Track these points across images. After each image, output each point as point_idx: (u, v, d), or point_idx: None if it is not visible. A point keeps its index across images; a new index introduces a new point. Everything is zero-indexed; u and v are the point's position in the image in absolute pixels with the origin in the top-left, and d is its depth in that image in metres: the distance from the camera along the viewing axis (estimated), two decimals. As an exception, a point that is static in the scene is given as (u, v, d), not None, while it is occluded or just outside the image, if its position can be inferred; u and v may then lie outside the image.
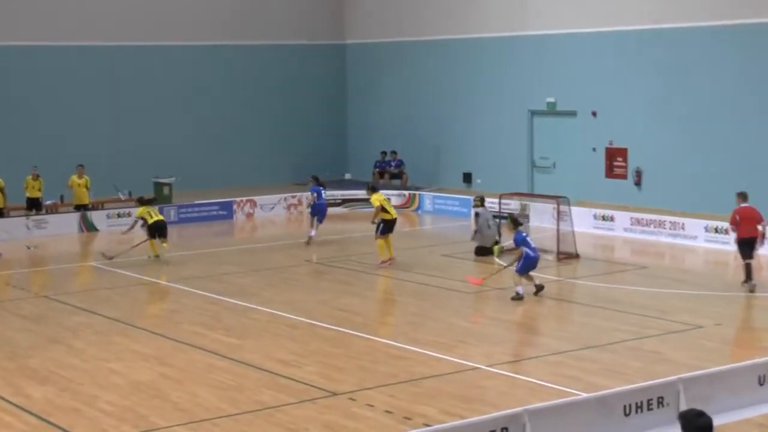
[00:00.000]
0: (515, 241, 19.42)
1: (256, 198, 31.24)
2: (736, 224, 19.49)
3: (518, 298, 19.02)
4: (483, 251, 23.11)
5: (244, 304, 19.20)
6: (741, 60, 25.68)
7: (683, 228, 24.98)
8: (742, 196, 19.66)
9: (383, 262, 22.28)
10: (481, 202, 24.00)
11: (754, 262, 19.51)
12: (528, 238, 19.62)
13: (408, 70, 34.95)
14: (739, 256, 19.77)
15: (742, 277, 19.73)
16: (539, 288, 19.29)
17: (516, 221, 20.01)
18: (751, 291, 19.14)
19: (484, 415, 11.20)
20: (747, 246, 19.37)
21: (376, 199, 22.72)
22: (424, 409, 12.84)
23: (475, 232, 23.60)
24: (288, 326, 17.46)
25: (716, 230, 24.16)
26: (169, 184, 30.51)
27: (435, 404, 13.05)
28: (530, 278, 19.38)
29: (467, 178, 32.90)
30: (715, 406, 11.19)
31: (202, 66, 34.83)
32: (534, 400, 12.23)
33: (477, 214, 23.72)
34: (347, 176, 37.13)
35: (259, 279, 21.70)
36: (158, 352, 15.62)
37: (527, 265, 19.20)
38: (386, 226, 22.44)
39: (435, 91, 33.97)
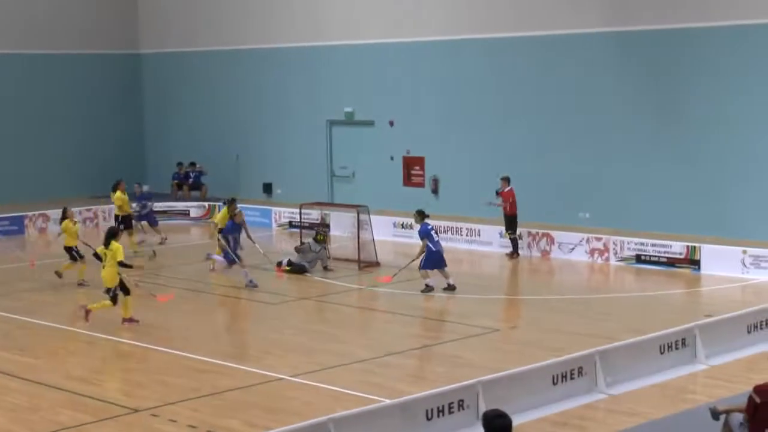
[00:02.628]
0: (419, 232, 20.22)
1: (49, 212, 30.17)
2: (508, 201, 24.17)
3: (428, 290, 19.79)
4: (297, 269, 22.80)
5: (39, 321, 18.50)
6: (533, 69, 26.61)
7: (479, 234, 25.69)
8: (508, 180, 24.43)
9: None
10: (321, 237, 23.57)
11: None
12: (432, 232, 20.38)
13: (206, 80, 34.57)
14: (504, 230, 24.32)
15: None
16: (451, 288, 19.97)
17: (422, 213, 20.56)
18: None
19: (290, 425, 11.20)
20: (515, 220, 24.28)
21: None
22: (229, 422, 12.72)
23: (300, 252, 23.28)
24: (86, 343, 16.95)
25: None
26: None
27: (239, 416, 12.94)
28: (446, 275, 20.02)
29: (267, 188, 32.81)
30: (513, 406, 11.56)
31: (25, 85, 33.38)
32: (339, 408, 12.31)
33: (302, 243, 23.53)
34: (145, 188, 36.27)
35: (54, 295, 20.96)
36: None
37: (430, 259, 19.89)
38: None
39: (234, 102, 33.72)
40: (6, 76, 33.63)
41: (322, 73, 31.14)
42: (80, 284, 21.60)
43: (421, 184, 29.00)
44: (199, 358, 15.75)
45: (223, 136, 33.99)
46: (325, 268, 23.01)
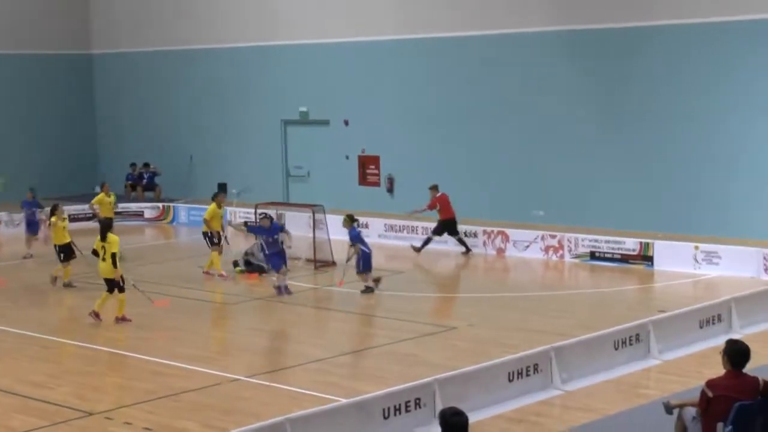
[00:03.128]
0: (352, 237, 20.19)
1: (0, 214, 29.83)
2: (435, 208, 24.54)
3: (369, 291, 19.91)
4: (256, 269, 22.72)
5: (-9, 325, 18.30)
6: (485, 68, 26.72)
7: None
8: (436, 188, 24.71)
9: None
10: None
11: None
12: (362, 235, 20.61)
13: (159, 80, 34.36)
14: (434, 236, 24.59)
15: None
16: (369, 290, 20.05)
17: (352, 218, 20.67)
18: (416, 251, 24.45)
19: (247, 426, 11.17)
20: (452, 225, 24.52)
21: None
22: (185, 424, 12.66)
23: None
24: (38, 346, 16.78)
25: (465, 234, 25.02)
26: None
27: (196, 418, 12.89)
28: (371, 277, 20.18)
29: (222, 188, 32.62)
30: (469, 403, 11.63)
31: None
32: (295, 408, 12.29)
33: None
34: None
35: (3, 298, 20.73)
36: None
37: (366, 261, 20.09)
38: None
39: (187, 102, 33.54)
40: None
41: (276, 73, 31.07)
42: (67, 285, 21.36)
43: (376, 183, 29.03)
44: (156, 360, 15.65)
45: (177, 137, 33.81)
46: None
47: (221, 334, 17.66)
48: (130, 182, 34.14)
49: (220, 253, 22.64)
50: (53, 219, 21.85)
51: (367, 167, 29.26)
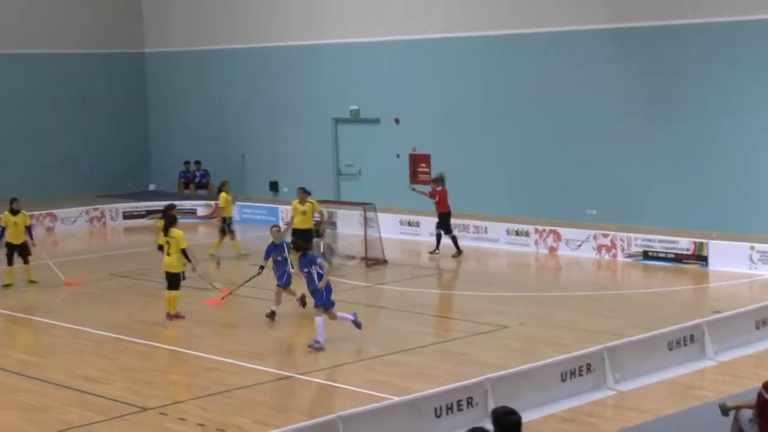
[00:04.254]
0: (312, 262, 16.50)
1: (56, 211, 30.25)
2: (434, 199, 24.43)
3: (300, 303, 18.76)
4: None
5: (45, 320, 18.57)
6: (537, 66, 26.61)
7: (486, 231, 25.70)
8: (441, 181, 24.62)
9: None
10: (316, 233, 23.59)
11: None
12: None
13: (211, 79, 34.62)
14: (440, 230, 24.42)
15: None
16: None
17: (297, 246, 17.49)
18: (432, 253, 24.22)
19: (299, 423, 11.25)
20: (448, 218, 24.42)
21: None
22: (238, 420, 12.77)
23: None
24: (93, 342, 17.00)
25: (517, 233, 24.98)
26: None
27: (249, 415, 12.99)
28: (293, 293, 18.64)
29: (274, 186, 32.85)
30: (521, 403, 11.58)
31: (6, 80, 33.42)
32: (347, 405, 12.33)
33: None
34: (151, 187, 36.44)
35: (64, 294, 21.03)
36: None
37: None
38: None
39: (239, 100, 33.76)
40: (12, 75, 33.70)
41: (327, 71, 31.17)
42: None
43: (427, 182, 28.99)
44: (209, 356, 15.79)
45: (229, 135, 34.05)
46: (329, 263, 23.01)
47: (274, 331, 17.75)
48: (183, 180, 34.48)
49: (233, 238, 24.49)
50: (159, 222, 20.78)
51: (417, 165, 29.26)
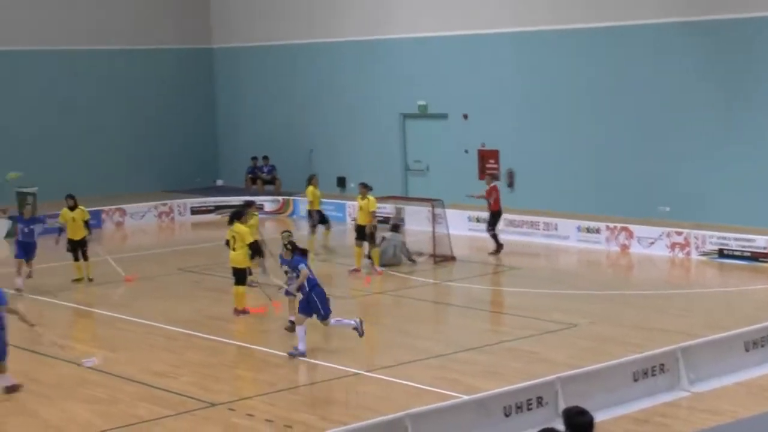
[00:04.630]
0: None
1: (125, 206, 30.65)
2: (490, 198, 24.19)
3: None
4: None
5: (116, 315, 18.81)
6: (608, 61, 26.34)
7: (556, 228, 25.46)
8: (495, 177, 25.47)
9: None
10: (393, 228, 23.65)
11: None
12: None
13: (280, 74, 34.78)
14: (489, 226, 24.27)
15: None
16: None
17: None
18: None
19: (366, 421, 11.23)
20: (499, 218, 24.33)
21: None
22: (305, 417, 12.80)
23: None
24: (163, 337, 17.18)
25: (588, 230, 24.73)
26: (32, 194, 29.59)
27: (315, 411, 13.02)
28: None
29: (341, 182, 32.93)
30: (592, 403, 11.42)
31: (67, 70, 33.95)
32: (415, 403, 12.28)
33: (384, 238, 23.05)
34: (219, 182, 36.75)
35: (133, 289, 21.29)
36: (24, 367, 15.10)
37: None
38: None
39: (307, 95, 33.88)
40: (84, 71, 34.20)
41: (395, 66, 31.15)
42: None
43: (496, 178, 28.82)
44: (276, 352, 15.85)
45: (297, 130, 34.19)
46: (409, 259, 22.99)
47: (340, 328, 17.75)
48: (250, 175, 34.70)
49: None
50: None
51: (486, 161, 29.11)
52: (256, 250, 18.47)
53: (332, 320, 15.93)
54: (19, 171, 28.52)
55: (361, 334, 15.85)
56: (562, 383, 12.29)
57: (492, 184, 24.40)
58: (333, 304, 16.15)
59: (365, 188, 22.80)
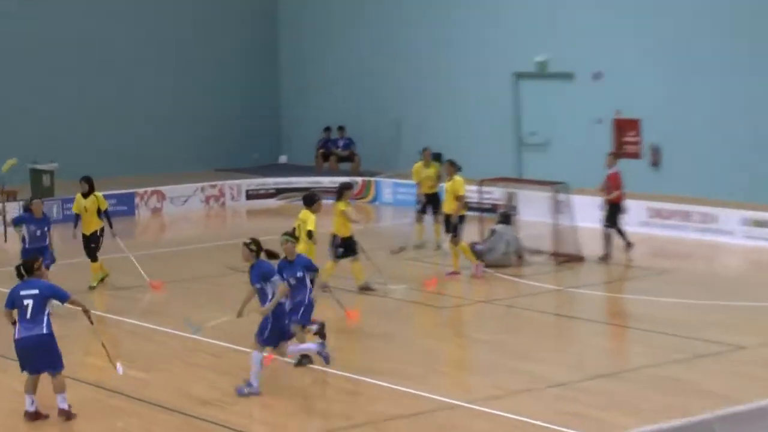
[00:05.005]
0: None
1: (164, 189, 31.00)
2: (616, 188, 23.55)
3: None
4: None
5: (151, 326, 19.01)
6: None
7: (716, 220, 25.26)
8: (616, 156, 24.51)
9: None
10: (504, 218, 23.63)
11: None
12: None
13: (358, 27, 34.94)
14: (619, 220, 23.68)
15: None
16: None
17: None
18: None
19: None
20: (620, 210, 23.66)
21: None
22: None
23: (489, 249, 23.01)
24: (208, 354, 17.31)
25: (757, 223, 24.45)
26: (50, 172, 30.16)
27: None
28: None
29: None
30: (761, 449, 11.24)
31: (107, 27, 34.47)
32: (529, 445, 12.23)
33: (493, 231, 23.28)
34: (282, 159, 37.03)
35: (171, 293, 21.49)
36: (40, 391, 15.31)
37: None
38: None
39: (393, 55, 33.94)
40: (127, 28, 34.65)
41: (506, 13, 31.12)
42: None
43: (636, 155, 28.63)
44: (352, 376, 15.87)
45: (381, 96, 34.31)
46: (520, 258, 22.94)
47: (434, 345, 17.74)
48: (321, 150, 34.79)
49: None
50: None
51: (624, 134, 28.91)
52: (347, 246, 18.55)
53: (291, 347, 15.75)
54: (14, 157, 28.56)
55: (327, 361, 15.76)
56: (721, 423, 12.10)
57: (614, 169, 23.74)
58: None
59: (453, 167, 22.95)
